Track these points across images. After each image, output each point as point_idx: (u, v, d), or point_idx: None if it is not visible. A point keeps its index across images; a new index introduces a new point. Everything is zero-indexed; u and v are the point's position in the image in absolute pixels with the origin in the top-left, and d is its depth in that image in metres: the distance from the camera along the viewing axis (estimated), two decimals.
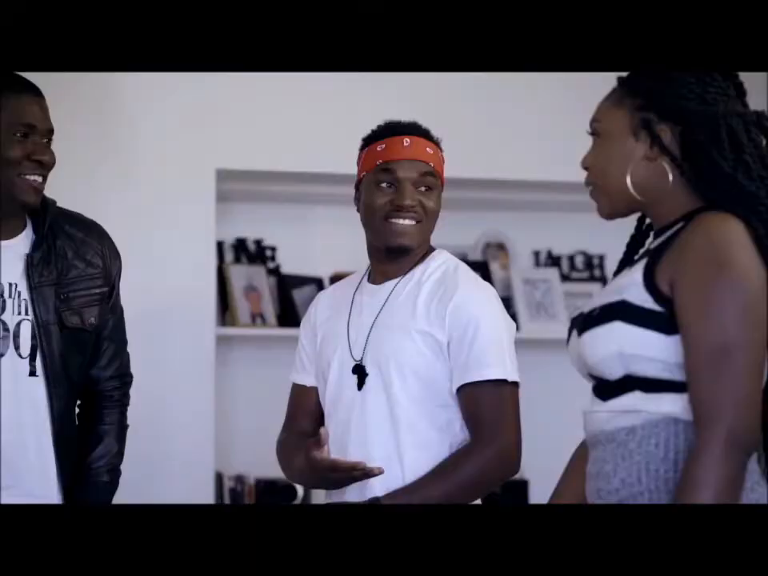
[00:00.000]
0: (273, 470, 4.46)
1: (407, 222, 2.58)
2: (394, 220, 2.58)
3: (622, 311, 1.95)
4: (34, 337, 2.47)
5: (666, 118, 2.02)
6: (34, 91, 2.46)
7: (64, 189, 2.44)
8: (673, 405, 1.95)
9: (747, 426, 1.88)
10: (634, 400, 1.98)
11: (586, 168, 2.11)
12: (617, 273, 2.13)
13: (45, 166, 2.44)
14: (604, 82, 2.18)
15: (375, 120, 2.71)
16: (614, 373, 1.98)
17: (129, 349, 4.29)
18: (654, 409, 1.96)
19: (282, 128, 4.31)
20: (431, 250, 2.67)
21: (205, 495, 4.11)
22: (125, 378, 2.75)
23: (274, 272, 4.61)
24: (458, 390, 2.53)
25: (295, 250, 4.62)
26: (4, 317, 2.45)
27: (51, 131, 2.47)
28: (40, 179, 2.44)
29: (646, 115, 2.03)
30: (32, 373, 2.47)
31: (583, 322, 2.03)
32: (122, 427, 2.71)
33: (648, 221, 2.15)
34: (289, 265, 4.63)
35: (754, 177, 1.99)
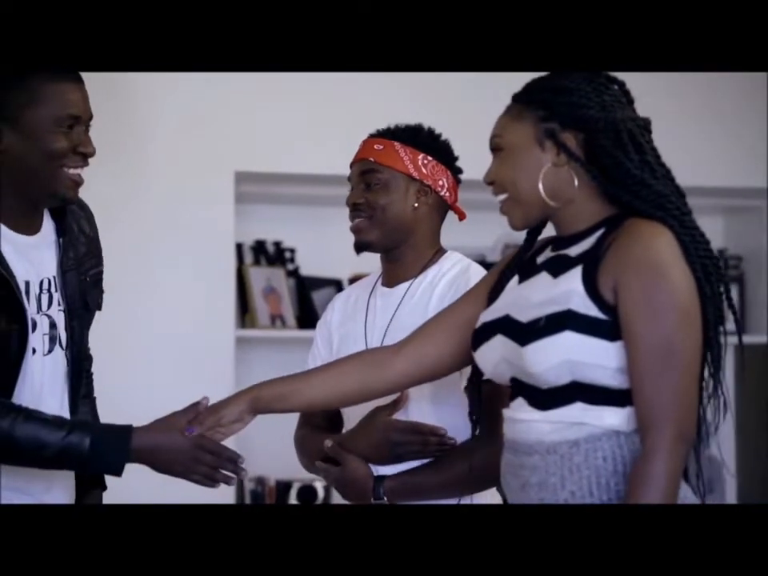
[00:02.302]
0: (293, 471, 4.49)
1: (356, 219, 2.64)
2: (350, 219, 2.66)
3: (569, 320, 2.02)
4: (66, 328, 2.39)
5: (568, 126, 2.11)
6: (75, 76, 2.33)
7: (81, 190, 2.38)
8: (614, 418, 2.03)
9: (691, 424, 2.00)
10: (576, 412, 2.04)
11: (490, 183, 2.19)
12: (522, 280, 2.19)
13: (87, 158, 2.33)
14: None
15: (393, 122, 2.72)
16: (560, 380, 2.04)
17: (149, 351, 4.30)
18: (596, 422, 2.03)
19: (300, 130, 4.33)
20: (443, 251, 2.67)
21: (225, 496, 4.12)
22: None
23: (293, 274, 4.62)
24: (469, 386, 2.54)
25: (314, 252, 4.63)
26: (50, 311, 2.37)
27: (91, 118, 2.35)
28: (81, 172, 2.33)
29: (548, 125, 2.11)
30: (67, 363, 2.41)
31: (526, 332, 2.07)
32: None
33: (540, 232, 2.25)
34: (308, 266, 4.64)
35: (658, 176, 2.10)
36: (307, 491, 4.41)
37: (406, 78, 4.15)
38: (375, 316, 2.64)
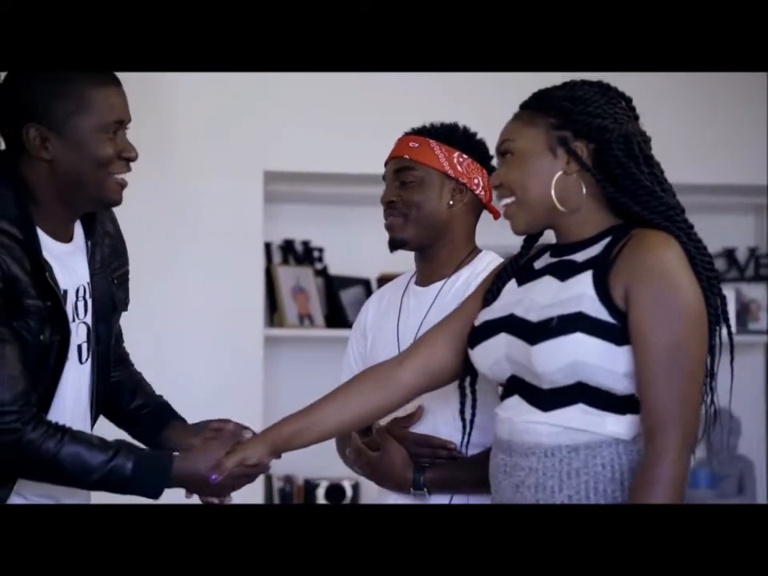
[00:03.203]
0: (321, 470, 4.50)
1: (390, 217, 2.65)
2: (384, 217, 2.66)
3: (580, 322, 2.06)
4: (95, 329, 2.39)
5: (581, 135, 2.15)
6: (115, 79, 2.32)
7: None
8: (615, 425, 2.07)
9: (695, 429, 2.05)
10: (577, 415, 2.07)
11: (497, 186, 2.21)
12: (522, 283, 2.22)
13: (130, 162, 2.33)
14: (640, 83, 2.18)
15: (422, 120, 2.71)
16: (565, 381, 2.07)
17: (178, 350, 4.31)
18: (597, 429, 2.07)
19: (328, 129, 4.33)
20: (478, 250, 2.67)
21: (254, 495, 4.13)
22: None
23: (322, 273, 4.62)
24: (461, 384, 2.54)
25: (342, 251, 4.63)
26: (86, 319, 2.37)
27: (130, 120, 2.35)
28: (125, 176, 2.33)
29: (561, 133, 2.15)
30: (92, 369, 2.40)
31: (536, 332, 2.10)
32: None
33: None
34: (336, 266, 4.65)
35: (666, 189, 2.17)
36: (335, 490, 4.41)
37: (435, 76, 4.14)
38: (408, 315, 2.63)
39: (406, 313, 2.65)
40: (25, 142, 2.25)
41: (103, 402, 2.44)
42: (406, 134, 2.69)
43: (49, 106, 2.24)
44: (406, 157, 2.63)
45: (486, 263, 2.62)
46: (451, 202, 2.62)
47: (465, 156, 2.63)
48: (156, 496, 2.27)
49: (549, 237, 2.27)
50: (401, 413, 2.53)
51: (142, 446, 2.42)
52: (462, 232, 2.64)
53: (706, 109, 4.57)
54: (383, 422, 2.58)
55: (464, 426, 2.35)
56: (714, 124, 4.57)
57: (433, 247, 2.63)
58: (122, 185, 2.32)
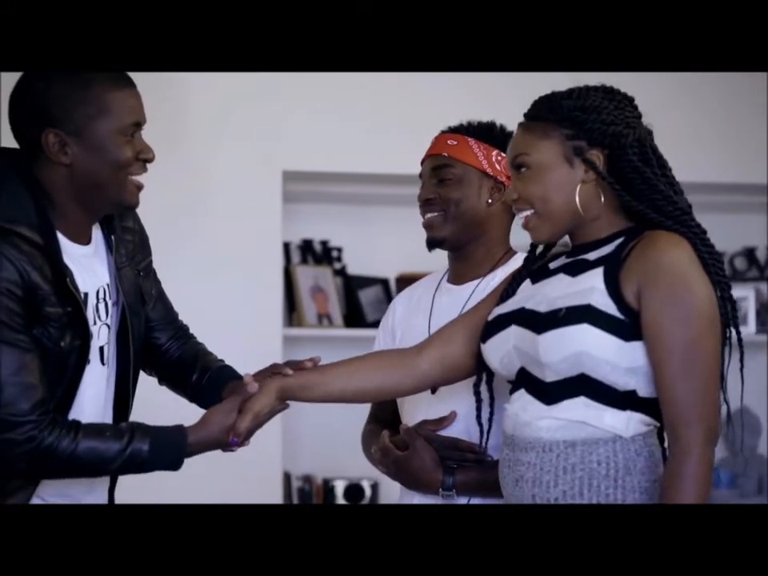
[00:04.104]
0: (340, 470, 4.50)
1: (428, 215, 2.62)
2: (422, 214, 2.63)
3: (589, 314, 2.08)
4: (123, 325, 2.39)
5: (595, 144, 2.17)
6: (130, 82, 2.31)
7: None
8: (613, 420, 2.09)
9: (717, 424, 2.07)
10: (579, 408, 2.10)
11: (514, 200, 2.22)
12: (536, 281, 2.25)
13: (147, 164, 2.33)
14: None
15: (439, 121, 2.71)
16: (569, 372, 2.10)
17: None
18: (596, 423, 2.09)
19: (347, 129, 4.33)
20: (513, 252, 2.65)
21: (273, 495, 4.13)
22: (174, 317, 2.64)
23: (341, 273, 4.62)
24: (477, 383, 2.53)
25: (361, 251, 4.63)
26: (108, 320, 2.37)
27: (146, 121, 2.35)
28: (142, 179, 2.33)
29: (576, 143, 2.17)
30: (117, 368, 2.41)
31: (544, 322, 2.12)
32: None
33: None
34: (355, 265, 4.65)
35: (678, 191, 2.19)
36: (354, 490, 4.41)
37: (454, 75, 4.14)
38: (441, 312, 2.60)
39: (438, 309, 2.62)
40: (44, 146, 2.25)
41: (132, 396, 2.44)
42: (444, 131, 2.67)
43: (68, 111, 2.24)
44: (444, 154, 2.61)
45: (520, 262, 2.60)
46: (489, 200, 2.59)
47: (503, 155, 2.59)
48: (176, 468, 2.29)
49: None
50: (431, 414, 2.53)
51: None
52: (499, 231, 2.62)
53: (731, 106, 4.56)
54: (411, 423, 2.57)
55: (480, 427, 2.35)
56: (738, 122, 4.55)
57: (469, 246, 2.61)
58: (139, 187, 2.33)
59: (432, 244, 2.63)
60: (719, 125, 4.56)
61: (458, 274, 2.65)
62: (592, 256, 2.18)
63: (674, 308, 2.06)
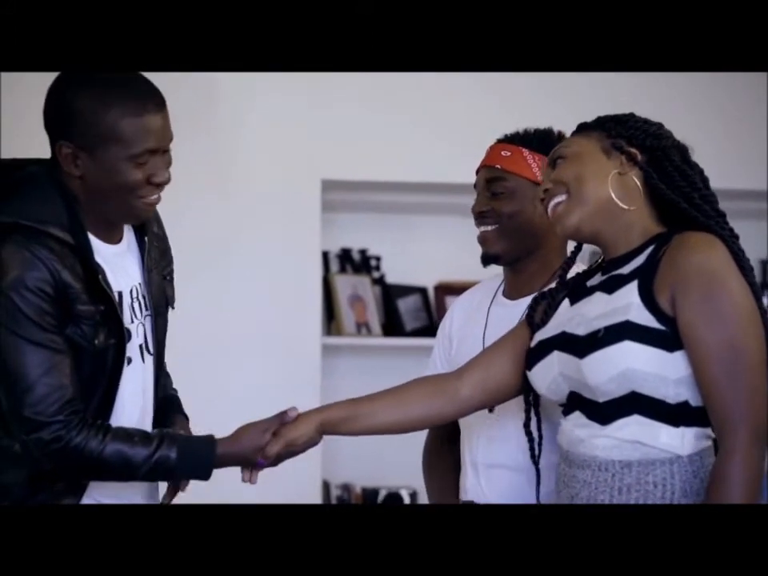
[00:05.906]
0: (379, 478, 4.50)
1: (482, 228, 2.57)
2: (477, 226, 2.59)
3: (628, 331, 2.05)
4: (152, 329, 2.40)
5: (635, 144, 2.18)
6: (157, 103, 2.26)
7: (166, 197, 2.36)
8: (669, 438, 2.06)
9: (764, 422, 2.02)
10: (633, 428, 2.07)
11: (547, 189, 2.20)
12: (574, 302, 2.23)
13: (160, 187, 2.31)
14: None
15: (477, 129, 2.71)
16: (618, 391, 2.07)
17: (236, 358, 4.30)
18: (651, 442, 2.06)
19: (386, 138, 4.34)
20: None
21: (312, 503, 4.14)
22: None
23: (379, 281, 4.63)
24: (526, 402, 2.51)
25: (399, 260, 4.63)
26: (144, 319, 2.38)
27: (171, 140, 2.31)
28: (157, 197, 2.31)
29: (616, 140, 2.18)
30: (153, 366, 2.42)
31: (585, 345, 2.10)
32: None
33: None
34: (393, 274, 4.65)
35: (714, 200, 2.18)
36: (393, 499, 4.41)
37: (493, 82, 4.14)
38: (495, 326, 2.54)
39: (493, 322, 2.57)
40: (57, 155, 2.27)
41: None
42: (499, 141, 2.61)
43: (82, 128, 2.23)
44: (498, 166, 2.55)
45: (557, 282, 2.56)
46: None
47: None
48: (206, 478, 2.30)
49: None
50: (486, 432, 2.50)
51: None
52: (555, 244, 2.55)
53: (731, 112, 4.52)
54: (468, 440, 2.54)
55: (530, 440, 2.33)
56: (738, 127, 4.51)
57: (525, 259, 2.55)
58: (153, 204, 2.32)
59: (487, 260, 2.57)
60: (717, 131, 4.52)
61: (513, 288, 2.59)
62: (626, 269, 2.15)
63: (709, 305, 2.02)
